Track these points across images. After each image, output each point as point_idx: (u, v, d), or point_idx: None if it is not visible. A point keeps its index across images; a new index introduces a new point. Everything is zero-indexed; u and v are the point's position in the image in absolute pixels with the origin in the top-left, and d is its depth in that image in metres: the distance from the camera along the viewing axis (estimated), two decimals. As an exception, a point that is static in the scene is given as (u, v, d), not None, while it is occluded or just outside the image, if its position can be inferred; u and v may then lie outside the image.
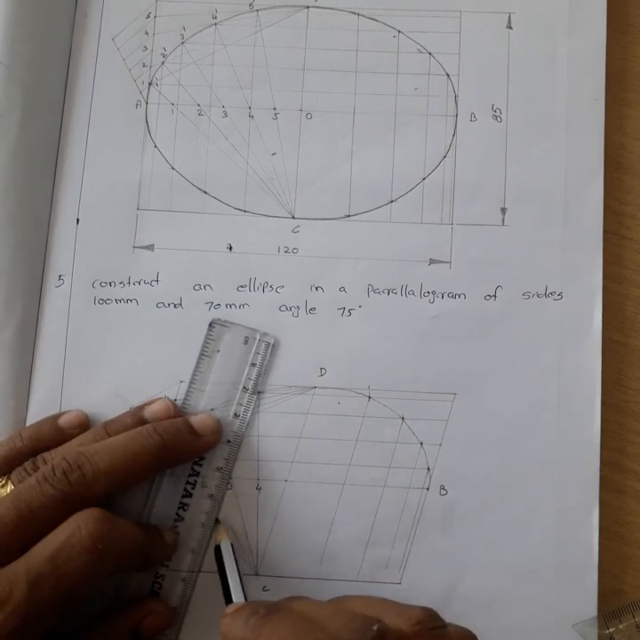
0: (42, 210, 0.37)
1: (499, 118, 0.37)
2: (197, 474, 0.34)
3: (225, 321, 0.36)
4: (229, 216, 0.37)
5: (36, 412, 0.35)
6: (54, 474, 0.30)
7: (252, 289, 0.36)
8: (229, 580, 0.31)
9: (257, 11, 0.38)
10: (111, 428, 0.33)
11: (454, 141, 0.37)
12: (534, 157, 0.37)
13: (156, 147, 0.37)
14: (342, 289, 0.36)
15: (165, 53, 0.38)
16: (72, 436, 0.34)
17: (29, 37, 0.36)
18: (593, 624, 0.33)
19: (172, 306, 0.36)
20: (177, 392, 0.35)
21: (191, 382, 0.35)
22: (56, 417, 0.35)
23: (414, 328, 0.36)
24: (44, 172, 0.37)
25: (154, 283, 0.36)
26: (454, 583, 0.34)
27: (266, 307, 0.36)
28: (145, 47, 0.38)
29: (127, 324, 0.36)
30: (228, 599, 0.31)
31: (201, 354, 0.35)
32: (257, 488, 0.35)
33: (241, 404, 0.35)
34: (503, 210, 0.36)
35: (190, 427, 0.33)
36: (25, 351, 0.36)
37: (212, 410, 0.35)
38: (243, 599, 0.31)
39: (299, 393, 0.35)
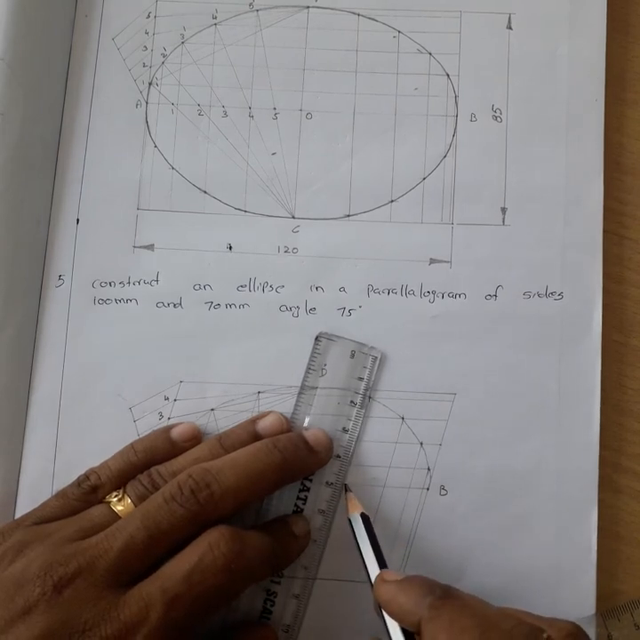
0: (42, 210, 0.37)
1: (499, 118, 0.37)
2: (308, 489, 0.34)
3: (331, 334, 0.35)
4: (229, 216, 0.37)
5: (36, 412, 0.35)
6: (182, 492, 0.29)
7: (251, 289, 0.36)
8: (363, 554, 0.31)
9: (257, 11, 0.38)
10: (226, 442, 0.33)
11: (454, 141, 0.37)
12: (534, 157, 0.37)
13: (156, 147, 0.37)
14: (342, 289, 0.36)
15: (165, 53, 0.38)
16: (184, 449, 0.33)
17: (30, 36, 0.36)
18: (591, 622, 0.33)
19: (171, 306, 0.36)
20: (177, 392, 0.35)
21: (299, 396, 0.35)
22: (167, 429, 0.34)
23: (414, 328, 0.36)
24: (43, 171, 0.37)
25: (154, 282, 0.36)
26: (454, 583, 0.33)
27: (266, 307, 0.36)
28: (145, 47, 0.38)
29: (127, 323, 0.36)
30: (368, 568, 0.30)
31: (308, 368, 0.35)
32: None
33: (349, 419, 0.35)
34: (503, 210, 0.37)
35: (306, 442, 0.33)
36: (25, 351, 0.36)
37: (321, 424, 0.34)
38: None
39: (300, 392, 0.35)
